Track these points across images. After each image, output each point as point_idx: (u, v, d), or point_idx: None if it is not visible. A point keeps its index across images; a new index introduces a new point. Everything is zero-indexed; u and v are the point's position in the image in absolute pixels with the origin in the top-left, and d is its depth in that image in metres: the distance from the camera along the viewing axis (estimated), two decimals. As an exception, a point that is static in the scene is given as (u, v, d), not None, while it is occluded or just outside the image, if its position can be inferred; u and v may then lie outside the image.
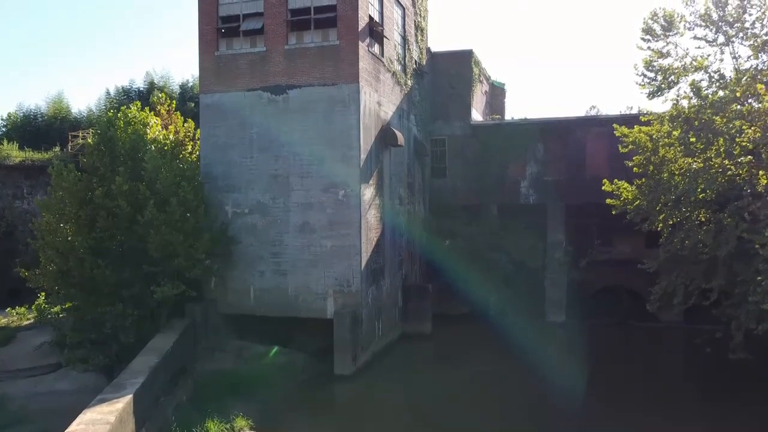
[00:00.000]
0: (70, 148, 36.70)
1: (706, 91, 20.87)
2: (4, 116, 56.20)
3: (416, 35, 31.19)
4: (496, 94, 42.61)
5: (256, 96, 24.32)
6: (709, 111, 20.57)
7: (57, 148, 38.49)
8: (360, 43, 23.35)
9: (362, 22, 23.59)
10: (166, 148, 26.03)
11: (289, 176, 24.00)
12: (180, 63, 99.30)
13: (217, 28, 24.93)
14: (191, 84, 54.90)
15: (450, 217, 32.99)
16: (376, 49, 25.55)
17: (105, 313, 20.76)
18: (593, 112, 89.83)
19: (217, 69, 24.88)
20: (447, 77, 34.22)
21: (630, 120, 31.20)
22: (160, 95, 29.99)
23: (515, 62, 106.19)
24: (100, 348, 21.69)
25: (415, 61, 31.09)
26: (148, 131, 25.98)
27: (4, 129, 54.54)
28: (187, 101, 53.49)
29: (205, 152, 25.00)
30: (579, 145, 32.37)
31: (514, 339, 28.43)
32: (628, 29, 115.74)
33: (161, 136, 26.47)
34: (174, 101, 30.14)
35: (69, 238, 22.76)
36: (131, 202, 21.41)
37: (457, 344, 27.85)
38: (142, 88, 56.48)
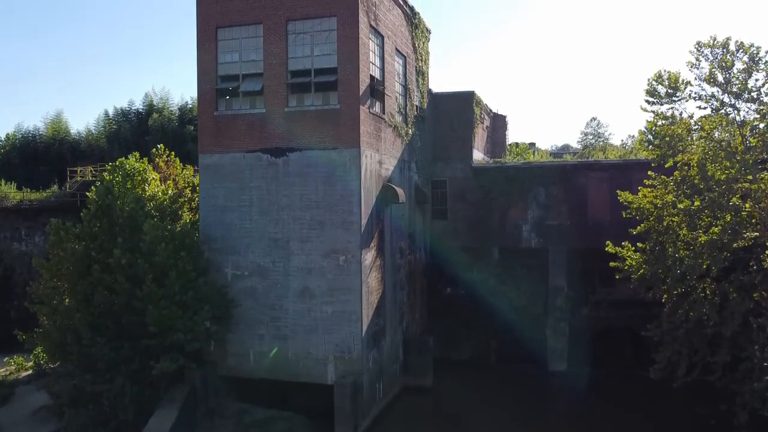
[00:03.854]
0: (68, 186, 36.35)
1: (711, 170, 20.60)
2: (3, 137, 56.01)
3: (417, 80, 30.87)
4: (498, 127, 42.36)
5: (256, 158, 24.02)
6: (716, 189, 20.34)
7: (55, 186, 38.12)
8: (361, 106, 23.03)
9: (363, 85, 23.26)
10: (165, 203, 25.79)
11: (289, 240, 23.74)
12: (180, 83, 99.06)
13: (216, 88, 24.59)
14: (190, 105, 54.50)
15: (451, 262, 32.74)
16: (377, 107, 25.24)
17: (103, 390, 20.52)
18: (594, 125, 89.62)
19: (216, 129, 24.56)
20: (448, 118, 33.91)
21: (631, 166, 31.17)
22: (159, 146, 29.55)
23: (517, 77, 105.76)
24: (98, 418, 21.52)
25: (417, 106, 30.77)
26: (147, 188, 25.76)
27: (2, 150, 54.25)
28: (186, 124, 53.23)
29: (205, 213, 24.72)
30: (581, 189, 32.10)
31: (516, 394, 28.32)
32: (628, 34, 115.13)
33: (160, 192, 26.21)
34: (173, 152, 29.73)
35: (66, 301, 22.63)
36: (129, 277, 21.16)
37: (458, 401, 27.62)
38: (140, 110, 56.15)
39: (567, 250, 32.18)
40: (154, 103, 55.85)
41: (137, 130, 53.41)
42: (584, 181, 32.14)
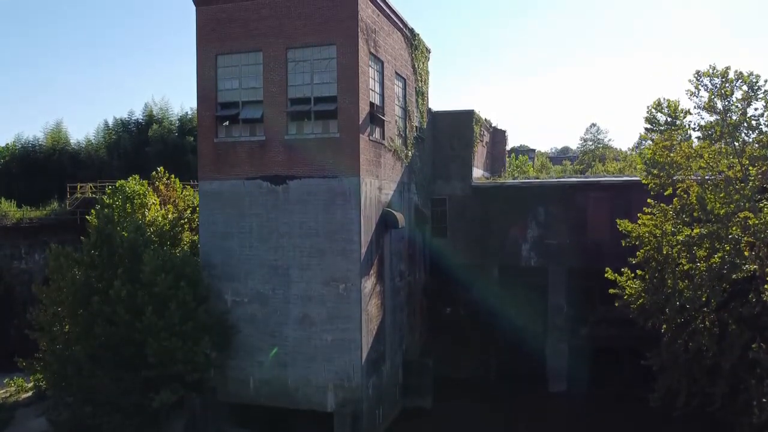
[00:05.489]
0: (68, 203, 36.34)
1: (710, 203, 20.64)
2: (2, 147, 55.92)
3: (417, 101, 30.87)
4: (497, 141, 42.37)
5: (256, 185, 24.05)
6: (716, 222, 20.39)
7: (55, 203, 38.10)
8: (361, 135, 23.05)
9: (363, 113, 23.27)
10: (165, 227, 25.84)
11: (289, 268, 23.78)
12: (179, 92, 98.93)
13: (216, 115, 24.60)
14: (190, 116, 54.41)
15: (450, 280, 32.73)
16: (377, 133, 25.26)
17: (103, 423, 20.56)
18: (593, 131, 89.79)
19: (216, 156, 24.58)
20: (448, 137, 33.91)
21: (631, 186, 31.10)
22: (159, 170, 29.56)
23: (517, 79, 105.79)
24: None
25: (416, 127, 30.78)
26: (147, 213, 25.82)
27: (2, 161, 54.17)
28: (186, 135, 53.17)
29: (205, 239, 24.75)
30: (580, 208, 32.09)
31: (516, 414, 28.31)
32: (629, 36, 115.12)
33: (160, 216, 26.26)
34: (173, 176, 29.73)
35: (66, 328, 22.65)
36: (129, 308, 21.18)
37: (458, 422, 27.60)
38: (140, 120, 56.03)
39: (567, 269, 32.18)
40: (154, 113, 55.74)
41: (137, 141, 53.32)
42: (584, 201, 32.13)
